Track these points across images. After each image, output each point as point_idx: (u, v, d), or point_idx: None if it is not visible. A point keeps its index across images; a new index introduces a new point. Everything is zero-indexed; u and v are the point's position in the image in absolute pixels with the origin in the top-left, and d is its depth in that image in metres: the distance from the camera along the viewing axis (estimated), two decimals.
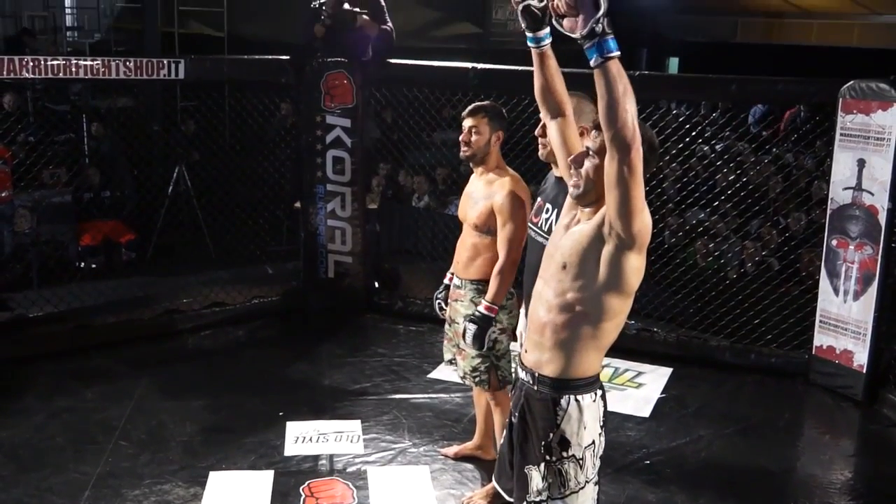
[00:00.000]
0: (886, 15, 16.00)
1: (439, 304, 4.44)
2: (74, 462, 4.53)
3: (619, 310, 2.70)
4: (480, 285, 4.09)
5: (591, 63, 2.36)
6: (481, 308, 3.96)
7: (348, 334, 6.50)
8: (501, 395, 4.17)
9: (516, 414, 2.90)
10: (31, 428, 4.90)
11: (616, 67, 2.35)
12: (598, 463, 2.82)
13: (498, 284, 3.96)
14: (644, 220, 2.55)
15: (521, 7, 2.88)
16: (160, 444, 4.75)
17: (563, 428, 2.75)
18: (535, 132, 3.69)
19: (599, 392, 2.80)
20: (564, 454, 2.76)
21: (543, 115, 3.17)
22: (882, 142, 5.18)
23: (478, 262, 4.13)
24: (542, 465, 2.79)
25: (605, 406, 2.83)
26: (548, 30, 2.91)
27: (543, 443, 2.78)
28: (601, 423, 2.81)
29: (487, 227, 4.06)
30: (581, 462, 2.77)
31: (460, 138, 4.11)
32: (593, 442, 2.78)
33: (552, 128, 3.12)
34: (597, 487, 2.85)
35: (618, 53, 2.35)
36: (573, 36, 2.39)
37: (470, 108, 4.14)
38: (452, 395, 5.40)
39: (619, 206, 2.49)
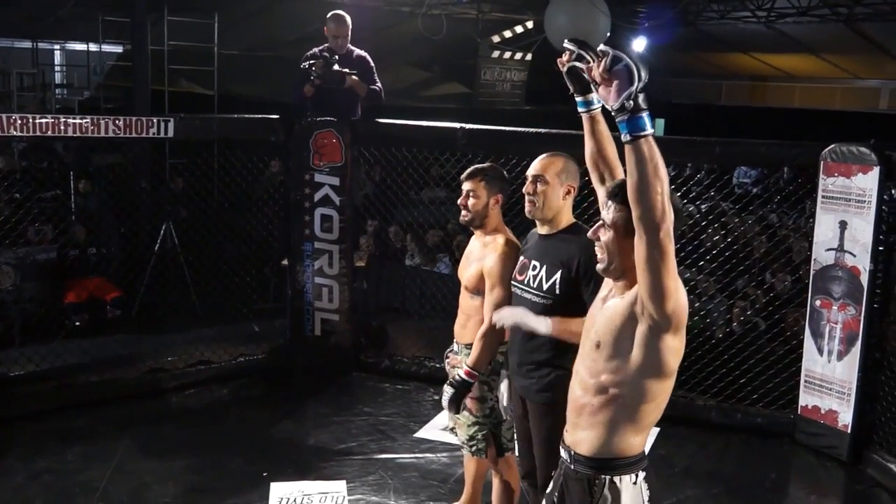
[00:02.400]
0: (867, 79, 16.35)
1: (447, 363, 4.27)
2: None
3: (657, 391, 2.61)
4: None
5: (623, 139, 2.30)
6: (461, 372, 3.86)
7: (334, 393, 6.46)
8: (500, 463, 4.11)
9: (556, 494, 2.82)
10: (10, 489, 4.82)
11: (647, 146, 2.27)
12: None
13: (480, 349, 3.83)
14: (678, 301, 2.46)
15: (566, 69, 2.83)
16: None
17: None
18: (524, 189, 3.64)
19: (642, 474, 2.67)
20: None
21: (595, 182, 3.08)
22: (863, 204, 5.26)
23: (470, 325, 4.02)
24: None
25: (650, 487, 2.68)
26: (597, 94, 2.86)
27: None
28: None
29: (477, 289, 3.97)
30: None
31: (459, 202, 4.02)
32: None
33: (601, 193, 3.00)
34: None
35: (651, 131, 2.28)
36: (607, 106, 2.33)
37: (468, 171, 4.04)
38: (439, 454, 5.36)
39: (650, 287, 2.42)
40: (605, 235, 2.66)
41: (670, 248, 2.37)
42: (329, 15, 6.71)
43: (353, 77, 6.61)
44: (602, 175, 3.05)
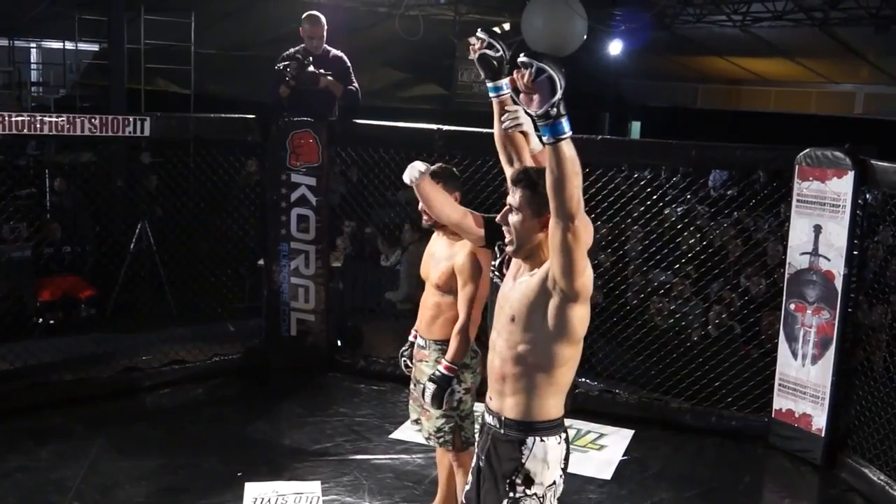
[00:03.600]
0: (842, 84, 16.50)
1: (405, 361, 4.41)
2: None
3: (569, 356, 2.85)
4: (443, 345, 4.09)
5: (544, 140, 2.48)
6: (441, 368, 3.97)
7: (310, 393, 6.45)
8: (464, 456, 4.15)
9: (483, 457, 3.00)
10: None
11: (567, 147, 2.46)
12: None
13: (458, 344, 3.97)
14: (586, 276, 2.70)
15: (477, 56, 3.09)
16: None
17: (528, 466, 2.86)
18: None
19: (563, 435, 2.93)
20: (527, 492, 2.87)
21: (503, 163, 3.31)
22: (837, 208, 5.31)
23: (440, 321, 4.13)
24: (506, 501, 2.89)
25: (567, 449, 2.95)
26: (507, 79, 3.07)
27: (508, 480, 2.88)
28: (563, 466, 2.93)
29: (449, 286, 4.09)
30: (542, 500, 2.88)
31: (419, 207, 4.06)
32: (554, 482, 2.90)
33: (509, 173, 3.21)
34: None
35: (570, 134, 2.46)
36: (527, 111, 2.51)
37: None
38: (414, 455, 5.36)
39: (563, 267, 2.65)
40: (514, 218, 2.88)
41: (582, 233, 2.60)
42: (304, 15, 6.70)
43: (328, 78, 6.61)
44: (510, 156, 3.28)
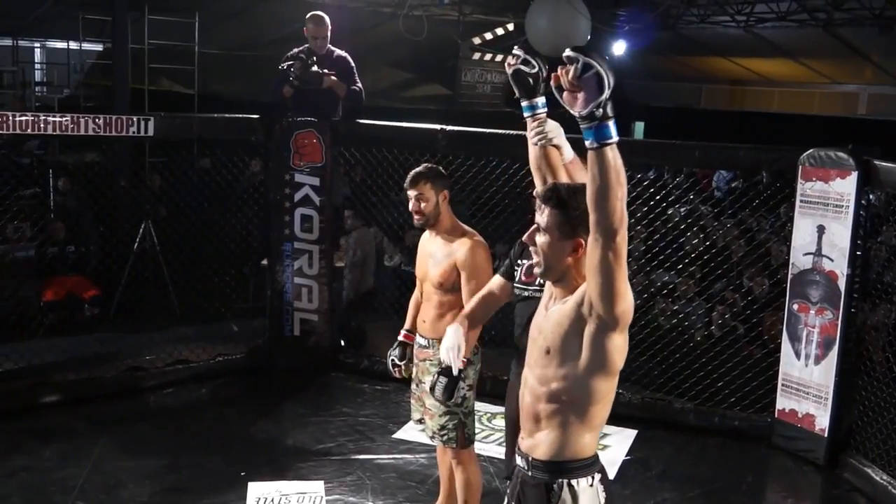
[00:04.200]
0: (845, 84, 16.48)
1: (392, 360, 4.36)
2: None
3: (605, 390, 2.62)
4: None
5: (587, 144, 2.27)
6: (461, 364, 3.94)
7: (313, 393, 6.46)
8: (464, 454, 4.16)
9: (513, 502, 2.80)
10: None
11: (612, 154, 2.26)
12: None
13: (470, 337, 3.96)
14: (627, 301, 2.47)
15: (511, 72, 2.93)
16: None
17: None
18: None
19: (598, 476, 2.68)
20: None
21: (537, 184, 3.11)
22: (841, 209, 5.30)
23: (447, 319, 4.07)
24: None
25: (605, 489, 2.69)
26: (544, 98, 2.96)
27: None
28: None
29: (452, 284, 4.10)
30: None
31: (410, 208, 4.14)
32: None
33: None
34: None
35: (616, 139, 2.26)
36: (571, 111, 2.28)
37: (410, 178, 4.16)
38: (417, 455, 5.36)
39: (601, 289, 2.41)
40: (541, 240, 2.64)
41: (624, 252, 2.37)
42: (308, 15, 6.71)
43: (332, 78, 6.62)
44: (545, 178, 3.10)
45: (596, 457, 2.69)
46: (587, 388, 2.58)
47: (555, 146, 3.11)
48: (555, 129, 3.09)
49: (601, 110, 2.22)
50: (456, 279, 4.08)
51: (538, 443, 2.68)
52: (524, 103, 3.04)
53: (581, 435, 2.64)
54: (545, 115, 3.06)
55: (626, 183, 2.31)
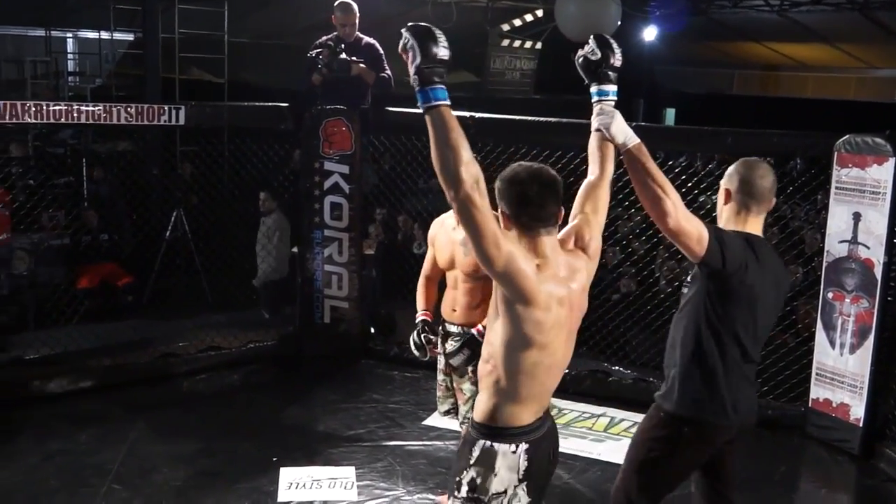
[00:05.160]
0: (882, 69, 16.22)
1: (424, 338, 4.20)
2: None
3: (527, 363, 2.67)
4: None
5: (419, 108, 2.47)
6: (473, 332, 3.92)
7: (343, 380, 6.48)
8: None
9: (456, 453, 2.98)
10: (24, 471, 4.87)
11: (436, 116, 2.43)
12: None
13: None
14: (501, 267, 2.50)
15: (578, 59, 3.09)
16: (153, 487, 4.72)
17: (473, 469, 2.75)
18: None
19: (525, 447, 2.74)
20: (469, 495, 2.75)
21: (590, 170, 3.08)
22: (878, 196, 5.22)
23: (482, 306, 3.98)
24: (451, 500, 2.83)
25: (529, 464, 2.75)
26: (611, 86, 3.06)
27: (456, 478, 2.81)
28: (519, 478, 2.74)
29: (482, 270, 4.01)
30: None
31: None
32: (505, 492, 2.74)
33: (587, 181, 3.06)
34: None
35: (439, 103, 2.43)
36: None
37: None
38: (447, 442, 5.37)
39: (474, 249, 2.50)
40: None
41: (476, 215, 2.42)
42: (336, 3, 6.70)
43: (360, 65, 6.61)
44: (598, 165, 3.07)
45: (527, 428, 2.76)
46: (504, 356, 2.68)
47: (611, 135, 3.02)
48: (607, 118, 3.02)
49: (416, 77, 2.43)
50: None
51: (477, 403, 2.83)
52: (592, 89, 3.10)
53: (506, 404, 2.73)
54: (610, 102, 3.07)
55: (464, 147, 2.42)
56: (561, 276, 2.71)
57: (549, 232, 2.70)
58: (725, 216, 3.34)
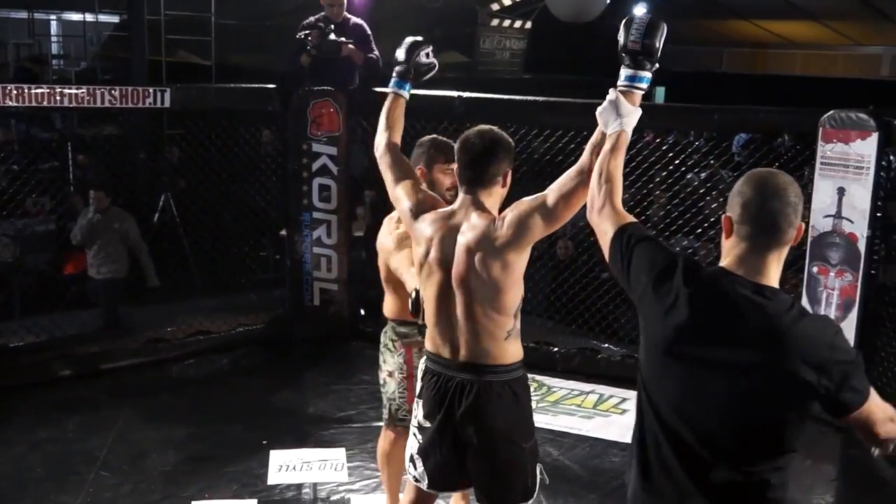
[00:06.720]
0: (868, 46, 16.22)
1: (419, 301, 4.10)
2: (55, 493, 4.50)
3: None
4: None
5: None
6: None
7: (333, 362, 6.49)
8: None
9: None
10: (11, 459, 4.87)
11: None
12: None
13: None
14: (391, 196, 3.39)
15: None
16: (142, 473, 4.73)
17: None
18: None
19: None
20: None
21: None
22: (861, 170, 5.24)
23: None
24: None
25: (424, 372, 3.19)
26: (624, 70, 2.79)
27: None
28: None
29: None
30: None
31: (450, 183, 3.71)
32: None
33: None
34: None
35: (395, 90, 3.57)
36: None
37: (450, 150, 3.64)
38: None
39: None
40: None
41: (382, 169, 3.50)
42: None
43: (350, 46, 6.58)
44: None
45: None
46: None
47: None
48: (603, 101, 2.80)
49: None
50: None
51: None
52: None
53: None
54: (624, 86, 2.78)
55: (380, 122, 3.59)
56: (448, 223, 3.06)
57: (466, 191, 3.10)
58: (724, 254, 2.35)
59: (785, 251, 2.26)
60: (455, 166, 3.26)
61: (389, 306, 3.95)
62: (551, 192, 2.94)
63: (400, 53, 3.55)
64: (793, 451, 2.20)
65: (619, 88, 2.76)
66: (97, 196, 7.10)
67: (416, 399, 3.23)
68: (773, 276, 2.23)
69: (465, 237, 3.00)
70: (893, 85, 14.86)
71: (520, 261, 3.01)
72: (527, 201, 2.99)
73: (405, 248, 3.57)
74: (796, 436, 2.19)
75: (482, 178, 3.07)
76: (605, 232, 2.48)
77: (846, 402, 2.16)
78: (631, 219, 2.51)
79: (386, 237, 3.81)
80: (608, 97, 2.77)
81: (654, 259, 2.32)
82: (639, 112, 2.75)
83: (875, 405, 2.20)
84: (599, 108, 2.77)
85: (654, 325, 2.27)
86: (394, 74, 3.57)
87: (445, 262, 3.03)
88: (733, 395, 2.14)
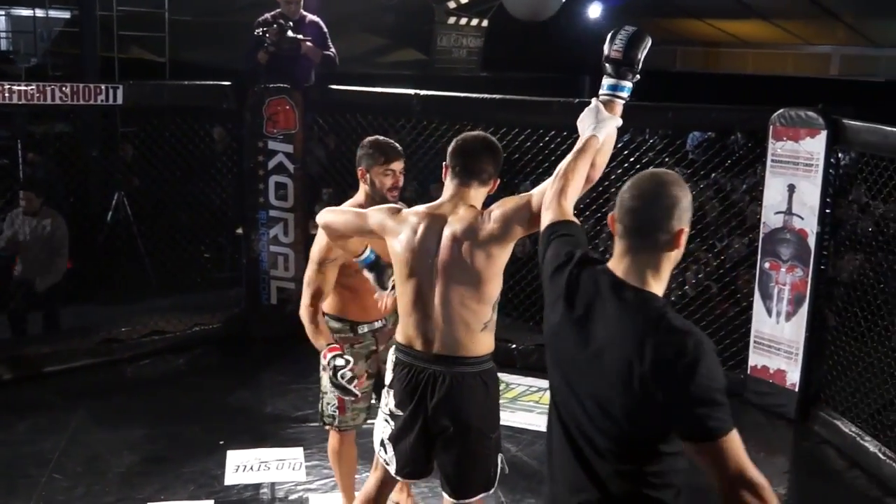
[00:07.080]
0: (817, 45, 16.51)
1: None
2: (6, 497, 4.42)
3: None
4: None
5: None
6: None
7: (291, 361, 6.44)
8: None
9: None
10: None
11: None
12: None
13: None
14: None
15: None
16: (96, 476, 4.67)
17: None
18: None
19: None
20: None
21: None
22: (811, 168, 5.35)
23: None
24: None
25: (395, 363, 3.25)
26: (607, 80, 2.92)
27: None
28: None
29: None
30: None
31: (391, 184, 3.79)
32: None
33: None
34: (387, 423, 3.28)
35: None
36: None
37: (396, 151, 3.82)
38: None
39: None
40: None
41: None
42: None
43: (308, 43, 6.55)
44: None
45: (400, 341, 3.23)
46: None
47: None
48: (585, 110, 2.88)
49: None
50: None
51: None
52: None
53: None
54: (606, 96, 2.92)
55: None
56: (434, 213, 3.11)
57: (458, 185, 3.15)
58: None
59: (663, 257, 2.16)
60: (398, 165, 3.78)
61: (326, 302, 4.04)
62: (535, 195, 3.00)
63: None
64: (671, 452, 2.10)
65: (601, 97, 2.88)
66: (27, 196, 6.91)
67: (386, 388, 3.29)
68: (649, 279, 2.15)
69: (451, 227, 3.07)
70: (842, 84, 15.15)
71: (503, 254, 3.09)
72: (513, 200, 3.08)
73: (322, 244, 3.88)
74: (665, 437, 2.07)
75: (479, 174, 3.14)
76: (543, 224, 2.54)
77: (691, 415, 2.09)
78: (570, 217, 2.50)
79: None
80: (589, 105, 2.87)
81: (559, 252, 2.33)
82: (617, 120, 2.84)
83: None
84: (581, 116, 2.86)
85: (546, 316, 2.31)
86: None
87: (428, 251, 3.08)
88: (595, 397, 2.12)
